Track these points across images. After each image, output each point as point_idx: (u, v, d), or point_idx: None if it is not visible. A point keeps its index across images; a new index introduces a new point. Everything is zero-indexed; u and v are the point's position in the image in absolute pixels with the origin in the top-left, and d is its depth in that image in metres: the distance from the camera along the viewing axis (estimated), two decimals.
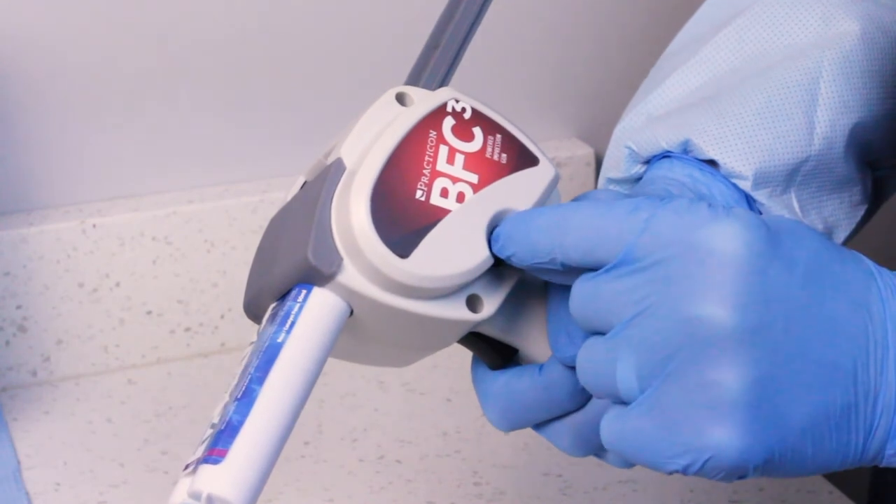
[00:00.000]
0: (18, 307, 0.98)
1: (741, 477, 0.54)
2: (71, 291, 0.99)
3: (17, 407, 0.97)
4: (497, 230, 0.58)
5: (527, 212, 0.58)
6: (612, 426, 0.55)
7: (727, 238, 0.53)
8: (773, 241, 0.53)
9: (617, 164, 0.72)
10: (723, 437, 0.52)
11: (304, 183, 0.61)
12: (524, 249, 0.57)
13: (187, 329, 1.03)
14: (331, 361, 1.08)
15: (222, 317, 1.04)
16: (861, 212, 0.72)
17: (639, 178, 0.72)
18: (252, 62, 1.03)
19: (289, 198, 0.61)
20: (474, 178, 0.58)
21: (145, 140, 1.02)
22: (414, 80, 0.61)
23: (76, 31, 0.98)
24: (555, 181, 0.60)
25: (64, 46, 0.98)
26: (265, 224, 1.03)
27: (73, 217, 1.00)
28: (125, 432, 0.95)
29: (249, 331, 0.62)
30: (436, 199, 0.57)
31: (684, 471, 0.53)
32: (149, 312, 1.02)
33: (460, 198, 0.57)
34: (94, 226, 0.99)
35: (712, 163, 0.69)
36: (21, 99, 0.98)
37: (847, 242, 0.73)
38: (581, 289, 0.56)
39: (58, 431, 0.95)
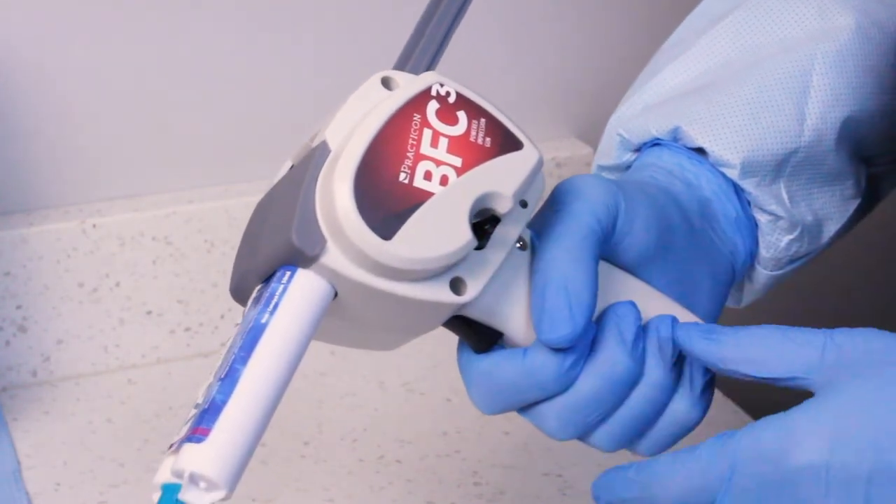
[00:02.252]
0: (18, 307, 0.98)
1: None
2: (71, 291, 0.99)
3: (17, 407, 0.97)
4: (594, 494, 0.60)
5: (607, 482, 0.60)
6: None
7: None
8: None
9: (609, 152, 0.73)
10: None
11: (291, 167, 0.61)
12: None
13: (187, 329, 1.03)
14: (331, 361, 1.08)
15: (222, 317, 1.04)
16: (853, 206, 0.72)
17: (629, 166, 0.72)
18: (251, 61, 1.03)
19: (275, 181, 0.61)
20: (458, 162, 0.58)
21: (145, 140, 1.02)
22: (401, 66, 0.61)
23: (76, 32, 0.98)
24: (539, 164, 0.60)
25: (63, 47, 0.98)
26: None
27: (73, 217, 1.00)
28: (125, 432, 0.95)
29: None
30: (419, 182, 0.57)
31: None
32: (149, 312, 1.02)
33: (444, 181, 0.57)
34: (94, 226, 0.99)
35: (701, 151, 0.70)
36: (21, 99, 0.98)
37: (841, 237, 0.73)
38: None
39: (58, 431, 0.95)
